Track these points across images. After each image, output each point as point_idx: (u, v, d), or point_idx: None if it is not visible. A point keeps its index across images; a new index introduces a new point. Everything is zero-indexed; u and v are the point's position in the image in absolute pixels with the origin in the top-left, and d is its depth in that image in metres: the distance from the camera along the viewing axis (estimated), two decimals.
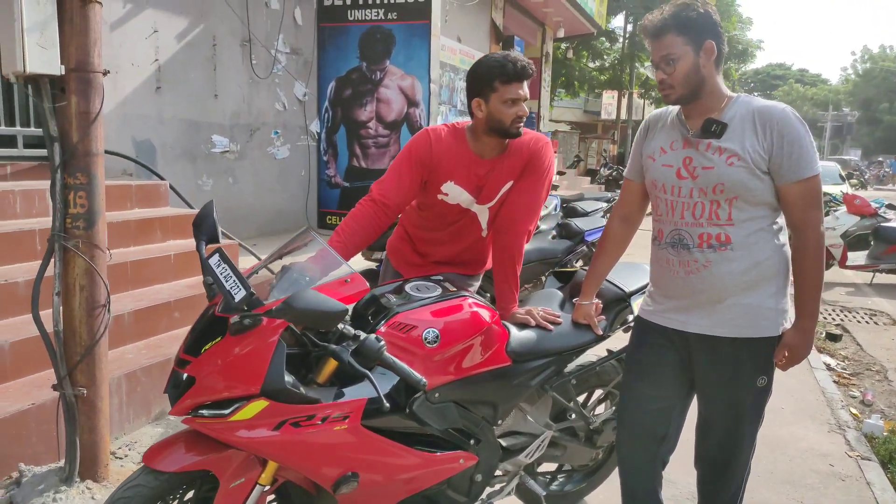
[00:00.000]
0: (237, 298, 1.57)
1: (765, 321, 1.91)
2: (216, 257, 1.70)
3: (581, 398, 2.56)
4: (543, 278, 4.83)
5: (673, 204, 1.93)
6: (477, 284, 2.57)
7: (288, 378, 1.64)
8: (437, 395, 1.94)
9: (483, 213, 2.36)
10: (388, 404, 1.62)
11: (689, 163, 1.89)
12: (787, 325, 1.93)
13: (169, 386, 1.67)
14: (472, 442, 2.06)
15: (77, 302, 2.45)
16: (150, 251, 4.28)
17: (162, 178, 5.52)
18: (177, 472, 1.68)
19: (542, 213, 5.60)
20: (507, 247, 2.28)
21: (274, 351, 1.61)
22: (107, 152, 5.48)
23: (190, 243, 4.75)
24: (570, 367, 2.33)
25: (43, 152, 4.48)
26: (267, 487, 1.78)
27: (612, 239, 2.22)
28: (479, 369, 2.01)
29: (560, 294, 2.47)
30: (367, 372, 1.63)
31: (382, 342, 1.66)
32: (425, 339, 1.86)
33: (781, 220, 1.93)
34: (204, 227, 1.80)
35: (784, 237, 1.93)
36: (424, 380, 1.63)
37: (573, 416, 2.39)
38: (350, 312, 1.78)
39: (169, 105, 6.12)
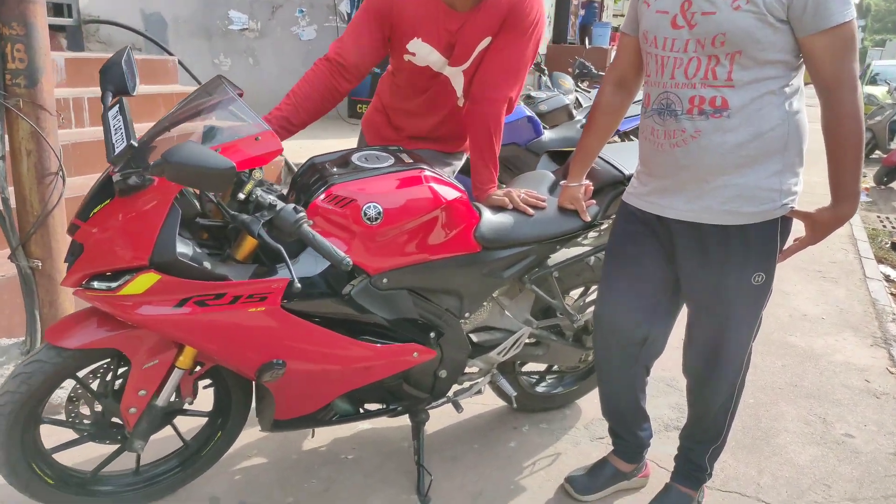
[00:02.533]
0: (117, 150, 1.36)
1: (762, 205, 1.59)
2: (115, 109, 1.48)
3: (576, 295, 2.33)
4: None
5: (664, 61, 1.59)
6: (458, 164, 2.28)
7: (186, 249, 1.46)
8: (384, 280, 1.73)
9: (457, 78, 2.05)
10: (298, 285, 1.40)
11: (687, 7, 1.52)
12: (793, 207, 1.62)
13: (68, 254, 1.51)
14: (432, 335, 1.87)
15: (25, 168, 2.30)
16: None
17: (171, 54, 5.30)
18: (81, 348, 1.56)
19: (570, 96, 5.17)
20: (482, 116, 1.97)
21: (166, 217, 1.42)
22: (109, 23, 5.31)
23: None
24: (556, 258, 2.08)
25: None
26: (186, 370, 1.65)
27: (603, 108, 1.88)
28: (439, 254, 1.79)
29: (552, 176, 2.18)
30: (280, 247, 1.43)
31: (301, 213, 1.44)
32: (365, 214, 1.63)
33: (798, 82, 1.56)
34: (110, 76, 1.57)
35: (799, 103, 1.58)
36: (348, 259, 1.41)
37: (559, 313, 2.16)
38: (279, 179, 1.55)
39: None
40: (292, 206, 1.45)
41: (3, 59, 2.20)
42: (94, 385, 1.70)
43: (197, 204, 1.56)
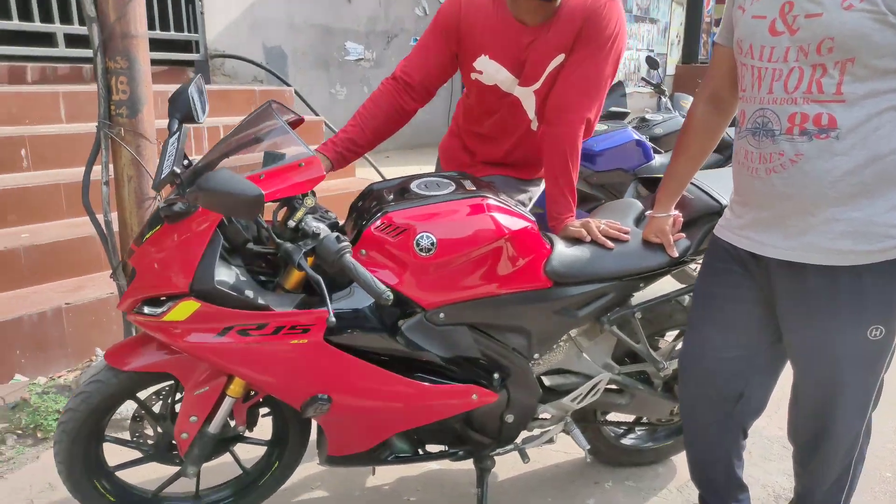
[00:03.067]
0: (162, 175, 1.37)
1: (880, 242, 1.33)
2: (175, 136, 1.51)
3: (670, 338, 2.11)
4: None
5: (760, 73, 1.38)
6: (535, 191, 2.15)
7: (227, 277, 1.44)
8: (441, 315, 1.63)
9: (528, 99, 1.93)
10: (332, 319, 1.34)
11: (788, 10, 1.31)
12: None
13: (126, 278, 1.54)
14: (496, 376, 1.75)
15: (126, 192, 2.44)
16: None
17: (288, 85, 5.56)
18: (136, 370, 1.58)
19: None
20: (557, 140, 1.83)
21: (207, 244, 1.41)
22: (233, 56, 5.66)
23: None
24: (641, 297, 1.89)
25: (86, 53, 4.36)
26: (237, 399, 1.63)
27: (695, 128, 1.68)
28: (503, 289, 1.66)
29: (640, 206, 1.99)
30: (318, 278, 1.37)
31: (344, 243, 1.38)
32: (417, 244, 1.55)
33: None
34: (178, 104, 1.60)
35: None
36: (388, 293, 1.33)
37: (644, 359, 1.96)
38: (312, 204, 1.51)
39: (300, 10, 6.11)
40: (336, 235, 1.40)
41: (108, 91, 2.35)
42: (157, 407, 1.73)
43: (242, 231, 1.54)
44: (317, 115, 5.67)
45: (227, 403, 1.63)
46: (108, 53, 2.32)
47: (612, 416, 2.25)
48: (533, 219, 1.72)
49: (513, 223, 1.64)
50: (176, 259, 1.43)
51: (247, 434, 1.82)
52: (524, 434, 1.95)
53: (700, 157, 1.72)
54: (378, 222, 1.56)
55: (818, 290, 1.40)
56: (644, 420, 2.20)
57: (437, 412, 1.71)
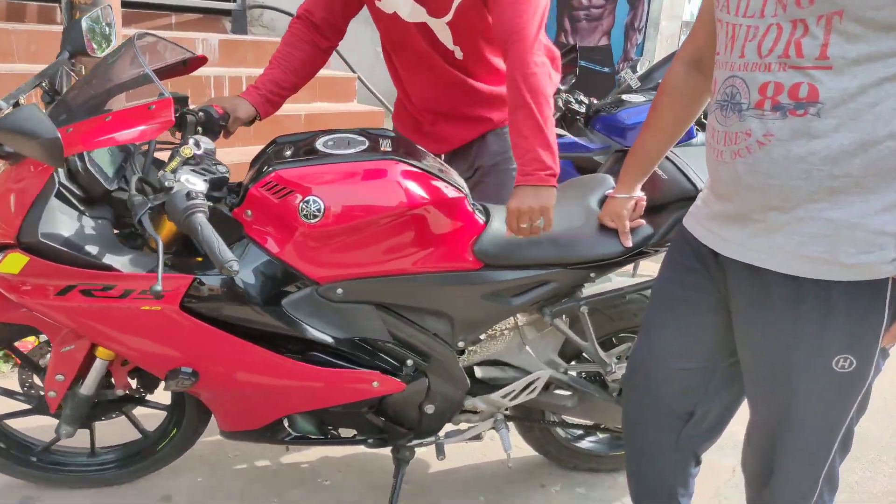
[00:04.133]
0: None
1: (864, 254, 1.03)
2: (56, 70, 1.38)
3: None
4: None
5: (735, 31, 1.09)
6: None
7: (61, 230, 1.29)
8: (339, 290, 1.44)
9: (443, 31, 1.67)
10: (158, 288, 1.15)
11: None
12: None
13: None
14: (409, 362, 1.55)
15: None
16: None
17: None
18: (2, 322, 1.48)
19: None
20: (510, 73, 1.51)
21: (39, 192, 1.27)
22: (271, 8, 5.51)
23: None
24: (591, 290, 1.63)
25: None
26: (111, 361, 1.51)
27: (671, 94, 1.36)
28: (420, 268, 1.46)
29: (611, 183, 1.72)
30: (157, 237, 1.21)
31: (195, 200, 1.19)
32: (301, 210, 1.35)
33: None
34: (71, 36, 1.46)
35: None
36: (235, 263, 1.14)
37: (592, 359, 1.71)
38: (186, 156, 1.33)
39: None
40: (188, 191, 1.21)
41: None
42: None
43: (99, 179, 1.37)
44: (353, 71, 5.49)
45: (97, 365, 1.51)
46: None
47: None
48: (463, 190, 1.49)
49: (430, 192, 1.41)
50: (6, 205, 1.29)
51: (147, 397, 1.71)
52: (449, 427, 1.75)
53: (674, 131, 1.41)
54: (265, 180, 1.37)
55: (780, 303, 1.11)
56: (602, 426, 1.94)
57: (330, 397, 1.53)
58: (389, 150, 1.46)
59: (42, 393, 1.62)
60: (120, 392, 1.61)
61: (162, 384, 1.63)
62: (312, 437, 1.66)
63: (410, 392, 1.58)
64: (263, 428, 1.59)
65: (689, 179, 1.55)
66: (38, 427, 1.72)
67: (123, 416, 1.73)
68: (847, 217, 1.03)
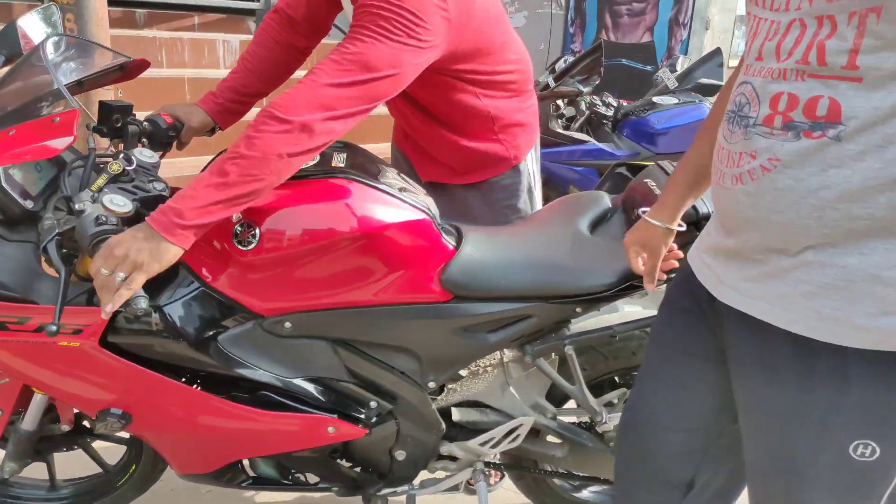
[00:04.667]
0: None
1: (885, 316, 0.83)
2: None
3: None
4: None
5: (758, 27, 0.90)
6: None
7: None
8: (287, 325, 1.30)
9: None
10: (53, 328, 1.05)
11: None
12: None
13: None
14: (373, 405, 1.40)
15: None
16: None
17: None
18: None
19: None
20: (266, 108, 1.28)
21: None
22: None
23: None
24: (580, 327, 1.45)
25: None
26: (49, 396, 1.40)
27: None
28: (379, 299, 1.31)
29: (606, 203, 1.53)
30: (61, 266, 1.10)
31: (105, 225, 1.08)
32: (236, 235, 1.22)
33: None
34: (6, 39, 1.35)
35: None
36: (142, 300, 1.02)
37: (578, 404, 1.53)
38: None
39: None
40: (98, 215, 1.09)
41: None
42: None
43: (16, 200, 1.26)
44: None
45: (37, 399, 1.41)
46: None
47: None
48: (428, 211, 1.33)
49: (385, 215, 1.26)
50: None
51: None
52: (425, 475, 1.60)
53: None
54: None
55: (785, 367, 0.92)
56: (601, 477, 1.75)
57: (282, 443, 1.39)
58: (342, 164, 1.32)
59: None
60: (66, 427, 1.52)
61: None
62: (273, 482, 1.53)
63: (377, 437, 1.44)
64: (219, 471, 1.47)
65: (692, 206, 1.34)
66: None
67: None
68: (867, 267, 0.83)
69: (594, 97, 3.55)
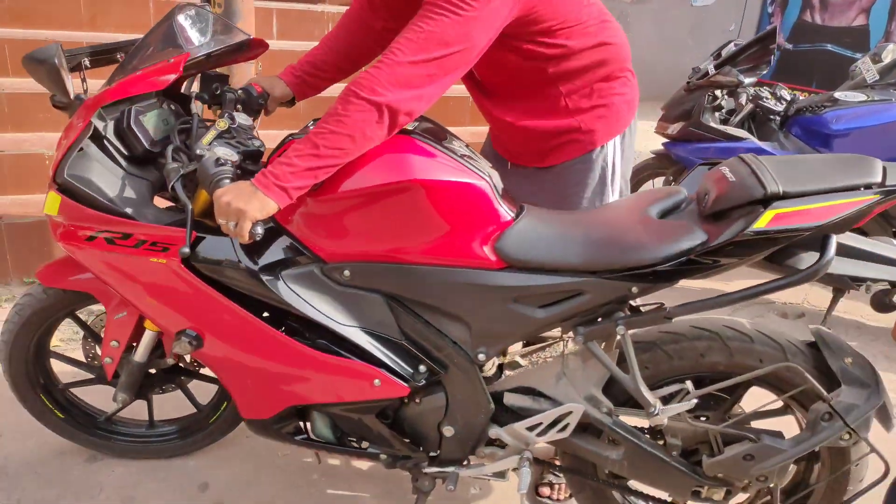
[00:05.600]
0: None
1: None
2: None
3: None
4: None
5: None
6: None
7: (91, 175, 1.45)
8: (346, 273, 1.46)
9: None
10: (186, 250, 1.36)
11: None
12: None
13: None
14: (422, 369, 1.51)
15: None
16: None
17: None
18: (57, 287, 1.70)
19: None
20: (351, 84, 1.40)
21: (76, 138, 1.45)
22: None
23: None
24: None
25: None
26: (159, 333, 1.68)
27: None
28: (431, 258, 1.43)
29: (683, 194, 1.53)
30: (186, 201, 1.37)
31: (224, 166, 1.34)
32: None
33: None
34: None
35: None
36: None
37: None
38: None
39: None
40: (217, 157, 1.35)
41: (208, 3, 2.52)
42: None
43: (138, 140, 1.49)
44: None
45: (147, 335, 1.69)
46: None
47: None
48: (489, 179, 1.43)
49: (440, 171, 1.38)
50: (60, 147, 1.49)
51: (201, 371, 1.89)
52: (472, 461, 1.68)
53: None
54: (282, 149, 1.42)
55: None
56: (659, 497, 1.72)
57: (331, 390, 1.55)
58: (410, 128, 1.45)
59: (97, 363, 1.85)
60: (170, 361, 1.78)
61: None
62: (328, 442, 1.69)
63: (426, 407, 1.56)
64: (278, 420, 1.65)
65: (760, 181, 1.29)
66: (104, 399, 1.95)
67: (179, 391, 1.92)
68: None
69: (761, 88, 3.36)
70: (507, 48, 1.50)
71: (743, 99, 3.27)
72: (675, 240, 1.36)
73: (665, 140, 3.51)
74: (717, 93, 3.33)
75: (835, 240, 1.29)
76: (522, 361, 1.66)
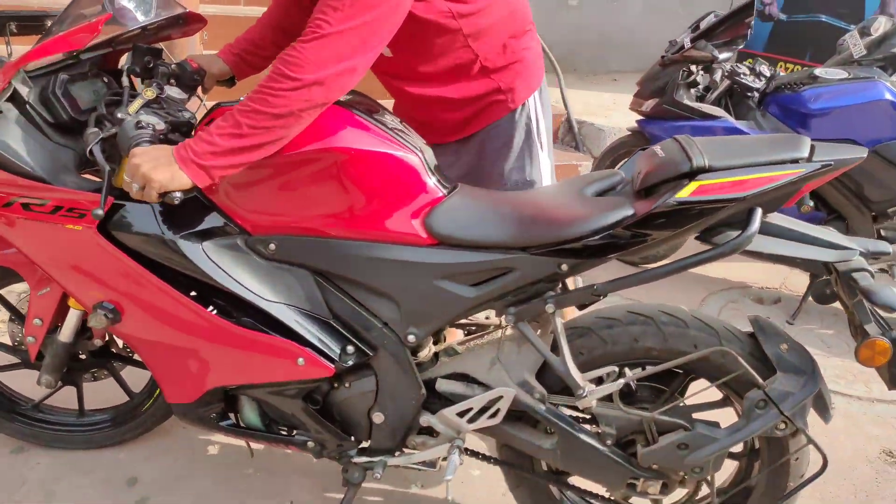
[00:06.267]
0: None
1: None
2: None
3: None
4: None
5: None
6: None
7: (14, 142, 1.45)
8: (272, 246, 1.46)
9: None
10: (99, 212, 1.34)
11: None
12: None
13: None
14: (350, 349, 1.51)
15: None
16: None
17: None
18: None
19: None
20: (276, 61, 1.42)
21: None
22: None
23: None
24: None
25: None
26: (84, 312, 1.66)
27: None
28: (359, 233, 1.44)
29: (621, 175, 1.54)
30: (105, 165, 1.36)
31: (144, 129, 1.35)
32: None
33: None
34: None
35: None
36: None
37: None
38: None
39: None
40: (136, 121, 1.37)
41: None
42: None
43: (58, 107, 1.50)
44: None
45: (73, 314, 1.69)
46: None
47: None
48: (419, 154, 1.44)
49: (367, 141, 1.39)
50: None
51: (133, 356, 1.89)
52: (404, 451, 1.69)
53: None
54: (210, 116, 1.43)
55: None
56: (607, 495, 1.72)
57: (254, 369, 1.55)
58: (342, 100, 1.45)
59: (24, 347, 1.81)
60: (98, 342, 1.79)
61: None
62: (255, 429, 1.70)
63: (356, 392, 1.57)
64: (203, 405, 1.65)
65: (687, 155, 1.31)
66: (32, 386, 1.92)
67: (112, 378, 1.92)
68: None
69: (738, 65, 3.35)
70: (423, 13, 1.50)
71: (718, 75, 3.26)
72: (603, 214, 1.38)
73: (639, 117, 3.50)
74: (693, 68, 3.31)
75: (759, 215, 1.30)
76: (459, 349, 1.66)
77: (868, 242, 1.40)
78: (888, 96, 2.99)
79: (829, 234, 1.39)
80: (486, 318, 1.74)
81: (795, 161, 1.30)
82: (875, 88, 3.04)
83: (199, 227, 1.48)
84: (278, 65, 1.29)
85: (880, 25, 3.55)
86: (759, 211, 1.30)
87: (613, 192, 1.50)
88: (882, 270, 3.38)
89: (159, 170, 1.29)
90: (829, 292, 1.52)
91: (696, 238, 1.39)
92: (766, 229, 1.34)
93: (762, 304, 3.42)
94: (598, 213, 1.39)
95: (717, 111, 3.24)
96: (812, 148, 1.32)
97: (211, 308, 1.52)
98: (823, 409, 1.49)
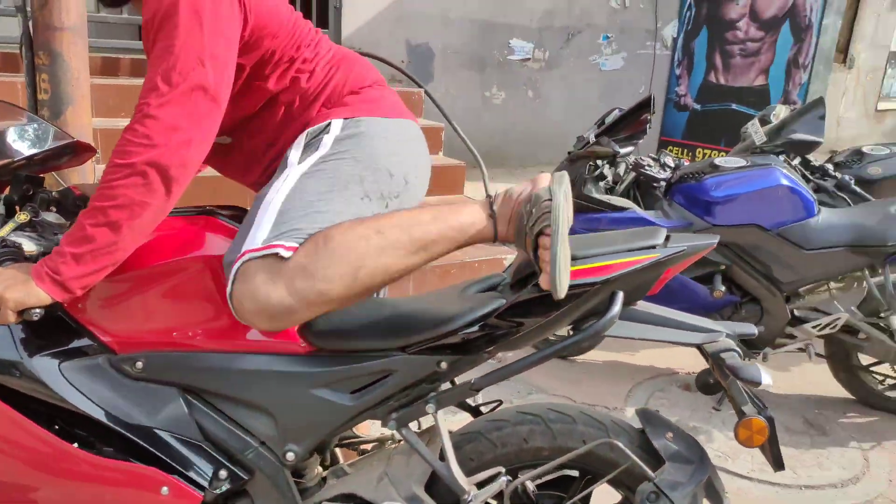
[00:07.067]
0: None
1: None
2: None
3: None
4: (861, 275, 3.31)
5: None
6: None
7: None
8: (139, 364, 1.43)
9: None
10: None
11: None
12: None
13: None
14: (223, 474, 1.47)
15: None
16: None
17: (419, 85, 5.62)
18: None
19: None
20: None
21: None
22: (366, 54, 5.88)
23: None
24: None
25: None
26: None
27: None
28: (231, 344, 1.44)
29: (506, 276, 1.62)
30: None
31: (7, 248, 1.37)
32: None
33: None
34: None
35: None
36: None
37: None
38: None
39: (457, 3, 6.15)
40: (3, 240, 1.38)
41: (34, 91, 2.56)
42: None
43: None
44: (449, 121, 5.65)
45: None
46: (34, 48, 2.53)
47: None
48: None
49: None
50: None
51: None
52: None
53: None
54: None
55: None
56: None
57: (110, 500, 1.48)
58: (208, 208, 1.48)
59: None
60: None
61: None
62: None
63: None
64: None
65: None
66: None
67: None
68: None
69: (643, 157, 3.55)
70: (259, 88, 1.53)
71: (621, 169, 3.44)
72: (478, 307, 1.42)
73: None
74: (599, 162, 3.49)
75: (620, 298, 1.35)
76: (349, 469, 1.64)
77: (735, 325, 1.49)
78: (784, 182, 3.20)
79: (694, 319, 1.47)
80: (382, 434, 1.74)
81: (652, 248, 1.38)
82: (771, 175, 3.25)
83: (60, 349, 1.45)
84: (112, 156, 1.29)
85: (780, 113, 3.85)
86: (621, 294, 1.35)
87: (494, 291, 1.57)
88: (800, 350, 3.52)
89: (13, 288, 1.29)
90: (712, 381, 1.59)
91: (569, 329, 1.45)
92: (634, 316, 1.42)
93: (689, 390, 3.49)
94: (473, 306, 1.43)
95: (625, 203, 3.39)
96: (667, 237, 1.41)
97: (79, 438, 1.47)
98: (715, 497, 1.53)
